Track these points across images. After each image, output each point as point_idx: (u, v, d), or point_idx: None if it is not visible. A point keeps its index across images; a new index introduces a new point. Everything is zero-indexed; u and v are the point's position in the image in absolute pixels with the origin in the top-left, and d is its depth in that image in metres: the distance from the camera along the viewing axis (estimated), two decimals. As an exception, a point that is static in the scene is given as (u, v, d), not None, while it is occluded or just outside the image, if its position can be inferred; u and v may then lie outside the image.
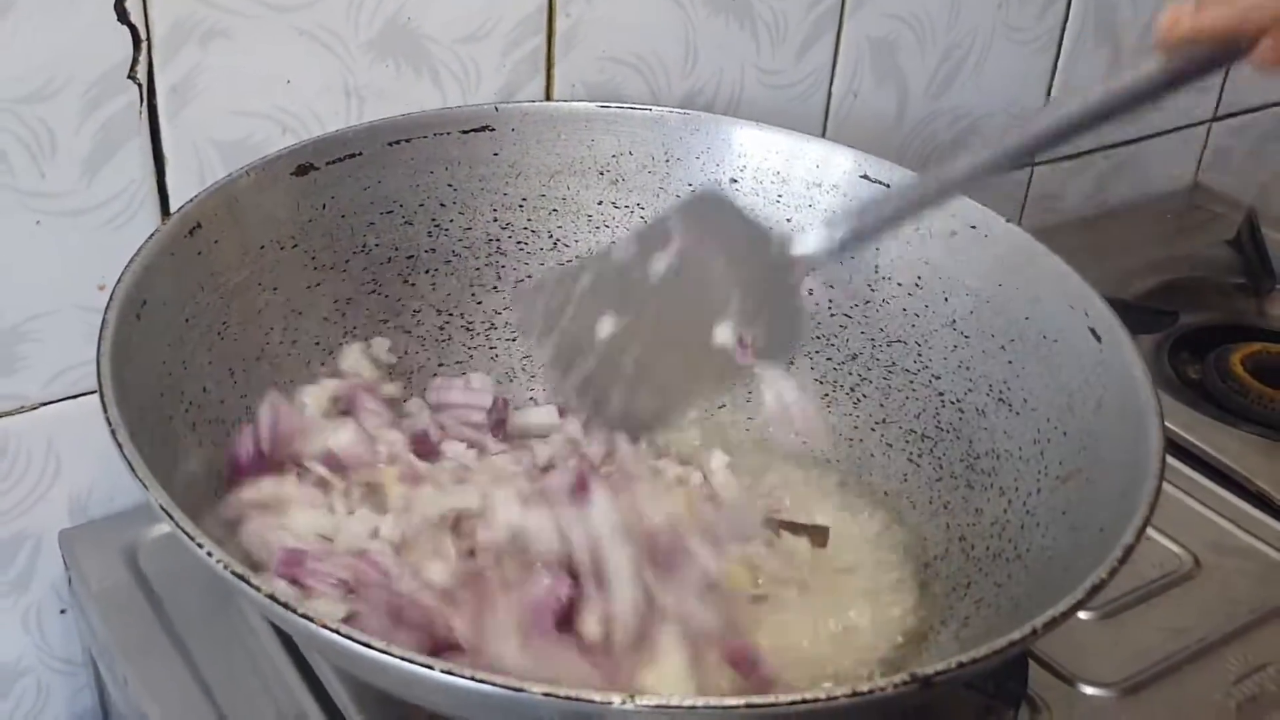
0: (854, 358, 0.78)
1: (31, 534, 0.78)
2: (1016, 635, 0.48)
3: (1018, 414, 0.70)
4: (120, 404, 0.54)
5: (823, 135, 0.98)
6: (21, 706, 0.83)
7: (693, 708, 0.43)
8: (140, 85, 0.70)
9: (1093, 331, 0.66)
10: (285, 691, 0.68)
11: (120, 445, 0.52)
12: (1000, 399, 0.71)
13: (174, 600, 0.73)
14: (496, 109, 0.77)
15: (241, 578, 0.47)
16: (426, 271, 0.77)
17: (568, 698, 0.43)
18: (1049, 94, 1.10)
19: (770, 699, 0.43)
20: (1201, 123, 1.25)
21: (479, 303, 0.79)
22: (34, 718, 0.84)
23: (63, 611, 0.81)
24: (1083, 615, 0.75)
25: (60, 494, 0.78)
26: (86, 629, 0.76)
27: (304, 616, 0.46)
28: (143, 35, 0.69)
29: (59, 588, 0.80)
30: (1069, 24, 1.08)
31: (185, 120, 0.73)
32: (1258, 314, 1.08)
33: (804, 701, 0.43)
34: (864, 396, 0.78)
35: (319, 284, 0.73)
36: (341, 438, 0.65)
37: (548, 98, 0.85)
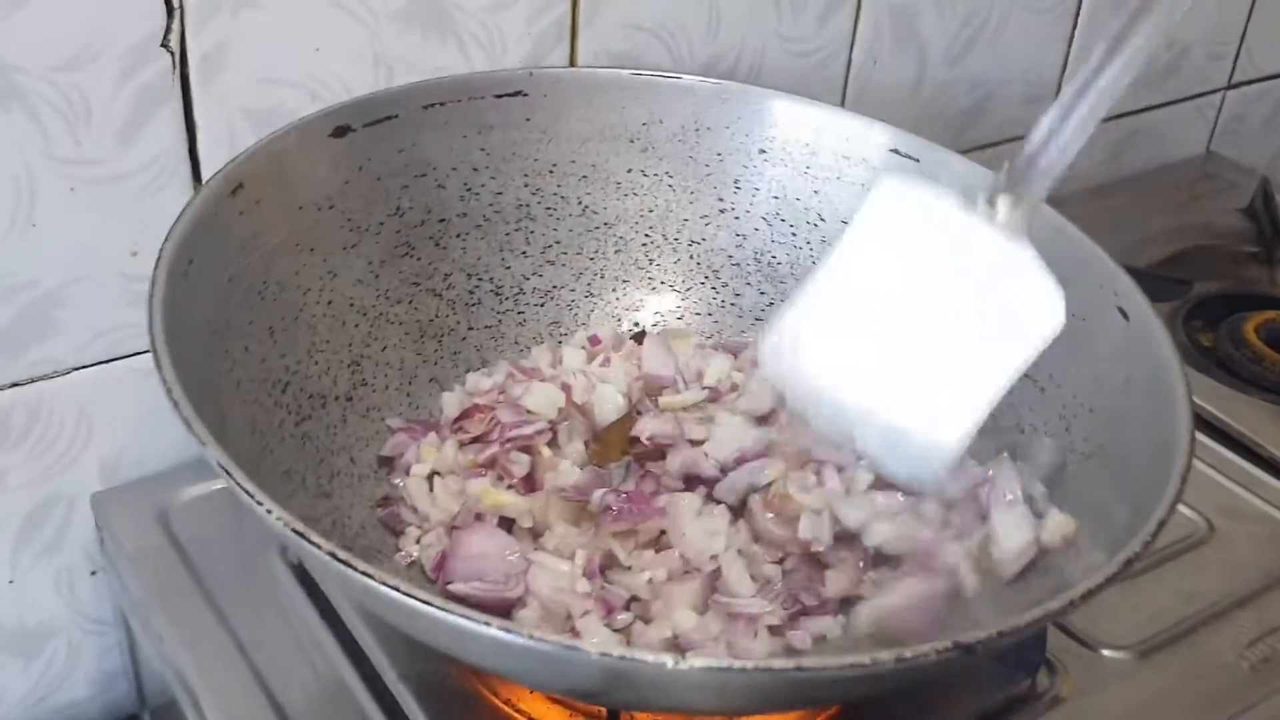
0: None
1: (64, 497, 0.79)
2: (1054, 605, 0.49)
3: (1044, 391, 0.70)
4: (173, 362, 0.54)
5: (842, 102, 0.98)
6: (53, 666, 0.84)
7: (742, 669, 0.44)
8: (173, 53, 0.71)
9: (1121, 311, 0.67)
10: (319, 650, 0.69)
11: (175, 403, 0.52)
12: (1027, 376, 0.71)
13: (206, 562, 0.74)
14: (530, 74, 0.77)
15: (300, 534, 0.48)
16: (457, 235, 0.78)
17: (621, 657, 0.44)
18: (1065, 63, 1.11)
19: (819, 662, 0.44)
20: (1216, 91, 1.25)
21: (508, 267, 0.80)
22: (64, 677, 0.85)
23: (93, 573, 0.82)
24: (1100, 580, 0.77)
25: (92, 457, 0.79)
26: (119, 589, 0.77)
27: (364, 574, 0.46)
28: (175, 4, 0.70)
29: (90, 550, 0.81)
30: (1086, -9, 1.08)
31: (217, 88, 0.73)
32: (1271, 283, 1.09)
33: (851, 666, 0.44)
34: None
35: (354, 245, 0.73)
36: None
37: (572, 65, 0.85)
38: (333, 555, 0.47)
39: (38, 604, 0.82)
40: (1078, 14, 1.09)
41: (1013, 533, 0.64)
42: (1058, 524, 0.64)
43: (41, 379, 0.75)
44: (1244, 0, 1.21)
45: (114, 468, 0.80)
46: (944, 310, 0.58)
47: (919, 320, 0.58)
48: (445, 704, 0.65)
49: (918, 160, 0.76)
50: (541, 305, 0.81)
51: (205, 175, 0.73)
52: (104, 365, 0.77)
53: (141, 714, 0.86)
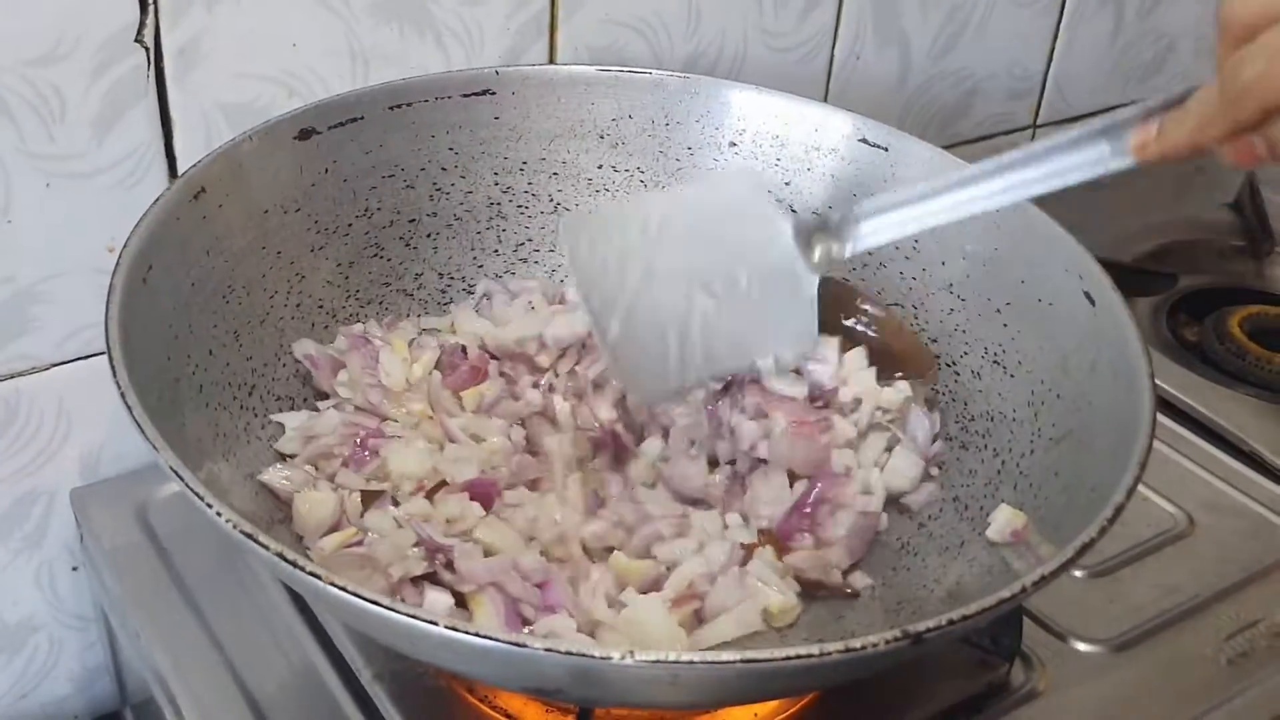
0: (851, 320, 0.79)
1: (44, 492, 0.79)
2: (1006, 593, 0.48)
3: (1012, 376, 0.70)
4: (128, 367, 0.55)
5: (825, 98, 0.98)
6: (34, 661, 0.85)
7: (690, 663, 0.44)
8: (147, 48, 0.71)
9: (1087, 295, 0.67)
10: (294, 645, 0.69)
11: (130, 408, 0.53)
12: (995, 361, 0.72)
13: (184, 557, 0.74)
14: (497, 72, 0.77)
15: (250, 536, 0.48)
16: (428, 235, 0.78)
17: (568, 652, 0.44)
18: (1051, 56, 1.10)
19: (765, 654, 0.44)
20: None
21: (480, 266, 0.80)
22: (46, 672, 0.85)
23: (74, 569, 0.83)
24: (1077, 573, 0.76)
25: (72, 453, 0.79)
26: (98, 585, 0.77)
27: (311, 575, 0.47)
28: (149, -2, 0.70)
29: (71, 545, 0.82)
30: (1072, -15, 1.08)
31: (192, 83, 0.73)
32: (1256, 276, 1.09)
33: (798, 657, 0.44)
34: (860, 358, 0.78)
35: (322, 247, 0.74)
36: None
37: (551, 60, 0.85)
38: (281, 556, 0.47)
39: (19, 600, 0.82)
40: (1063, 7, 1.08)
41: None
42: (1007, 517, 0.64)
43: (20, 375, 0.75)
44: (1233, -7, 1.21)
45: (94, 463, 0.80)
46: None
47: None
48: (420, 700, 0.65)
49: (886, 149, 0.76)
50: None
51: (182, 170, 0.74)
52: (83, 361, 0.77)
53: (123, 710, 0.86)
